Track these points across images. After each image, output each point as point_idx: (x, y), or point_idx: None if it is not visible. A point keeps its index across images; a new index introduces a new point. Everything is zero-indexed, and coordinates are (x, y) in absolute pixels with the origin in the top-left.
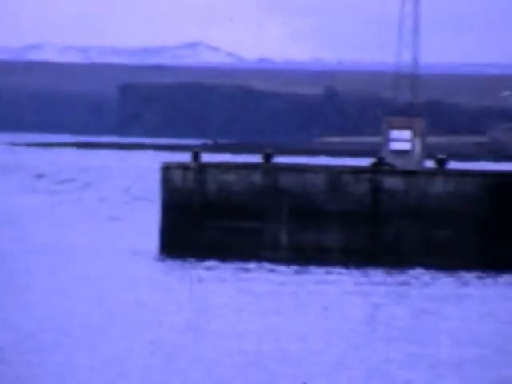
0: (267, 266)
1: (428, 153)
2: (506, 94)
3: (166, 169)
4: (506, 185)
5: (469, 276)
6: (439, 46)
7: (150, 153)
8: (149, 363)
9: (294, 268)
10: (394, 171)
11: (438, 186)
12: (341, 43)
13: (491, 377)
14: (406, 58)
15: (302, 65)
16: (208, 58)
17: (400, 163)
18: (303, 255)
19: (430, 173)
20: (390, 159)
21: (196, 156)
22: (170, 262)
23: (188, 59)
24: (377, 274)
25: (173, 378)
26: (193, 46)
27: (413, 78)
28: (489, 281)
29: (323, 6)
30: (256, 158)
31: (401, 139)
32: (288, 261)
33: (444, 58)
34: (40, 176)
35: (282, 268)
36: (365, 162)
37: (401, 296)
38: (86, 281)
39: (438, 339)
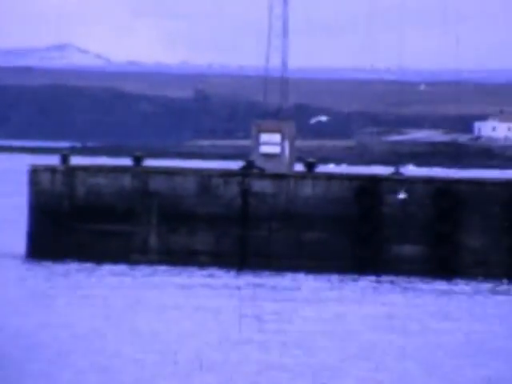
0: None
1: (297, 156)
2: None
3: (34, 171)
4: (372, 188)
5: (336, 278)
6: (308, 50)
7: (18, 155)
8: None
9: (162, 269)
10: (263, 174)
11: (307, 189)
12: (211, 47)
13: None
14: (275, 61)
15: (172, 68)
16: (77, 61)
17: (269, 166)
18: (173, 258)
19: (299, 176)
20: (259, 162)
21: (65, 159)
22: (36, 265)
23: (57, 61)
24: (244, 277)
25: None
26: (62, 47)
27: (282, 82)
28: (350, 283)
29: (193, 9)
30: (126, 161)
31: (270, 143)
32: (158, 264)
33: (313, 61)
34: None
35: (148, 270)
36: (235, 165)
37: (254, 298)
38: None
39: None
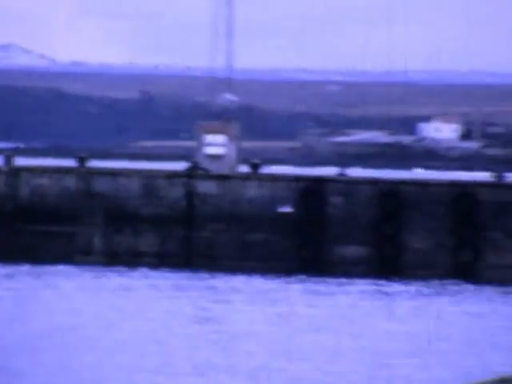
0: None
1: (243, 157)
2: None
3: None
4: (317, 189)
5: (281, 279)
6: (254, 51)
7: None
8: None
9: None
10: (208, 175)
11: (252, 190)
12: (156, 48)
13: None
14: (221, 62)
15: (117, 68)
16: (21, 61)
17: (214, 167)
18: (118, 259)
19: (244, 177)
20: (204, 163)
21: (8, 160)
22: None
23: (0, 61)
24: (189, 278)
25: None
26: (5, 48)
27: (227, 83)
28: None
29: (138, 9)
30: (70, 162)
31: (215, 144)
32: (102, 265)
33: (258, 62)
34: None
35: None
36: (180, 166)
37: (191, 299)
38: None
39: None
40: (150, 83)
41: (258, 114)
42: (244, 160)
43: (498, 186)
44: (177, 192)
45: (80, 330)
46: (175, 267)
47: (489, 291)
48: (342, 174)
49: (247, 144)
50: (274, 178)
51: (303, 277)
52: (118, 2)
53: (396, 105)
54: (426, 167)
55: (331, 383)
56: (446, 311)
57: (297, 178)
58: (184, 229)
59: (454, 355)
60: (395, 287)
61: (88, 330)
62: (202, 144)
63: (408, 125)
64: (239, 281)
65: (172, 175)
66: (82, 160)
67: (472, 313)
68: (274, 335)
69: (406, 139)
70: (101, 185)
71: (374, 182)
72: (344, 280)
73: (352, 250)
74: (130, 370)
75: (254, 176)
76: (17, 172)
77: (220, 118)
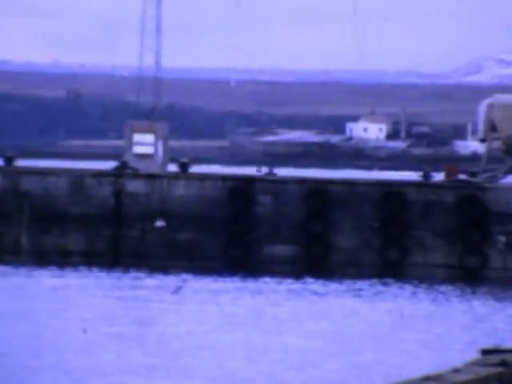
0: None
1: (171, 156)
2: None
3: None
4: (245, 188)
5: (209, 278)
6: (182, 50)
7: None
8: None
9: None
10: (136, 174)
11: (181, 189)
12: (83, 46)
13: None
14: (149, 61)
15: (44, 67)
16: None
17: (143, 167)
18: (46, 259)
19: (173, 176)
20: (133, 163)
21: None
22: None
23: None
24: (117, 277)
25: None
26: None
27: (155, 82)
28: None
29: (64, 8)
30: None
31: (143, 143)
32: (30, 264)
33: (187, 61)
34: None
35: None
36: (108, 165)
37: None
38: None
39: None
40: (76, 82)
41: (187, 113)
42: (172, 159)
43: (424, 185)
44: (105, 191)
45: None
46: (103, 266)
47: (413, 289)
48: (270, 174)
49: (176, 143)
50: (203, 177)
51: (231, 276)
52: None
53: (324, 104)
54: (354, 167)
55: (253, 380)
56: (369, 309)
57: (225, 178)
58: (112, 228)
59: (380, 353)
60: (323, 285)
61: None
62: (130, 143)
63: (336, 124)
64: (167, 280)
65: (100, 174)
66: (9, 159)
67: (392, 310)
68: (199, 334)
69: (334, 139)
70: (28, 184)
71: (302, 181)
72: (271, 279)
73: (280, 249)
74: (59, 370)
75: (183, 175)
76: None
77: (148, 117)
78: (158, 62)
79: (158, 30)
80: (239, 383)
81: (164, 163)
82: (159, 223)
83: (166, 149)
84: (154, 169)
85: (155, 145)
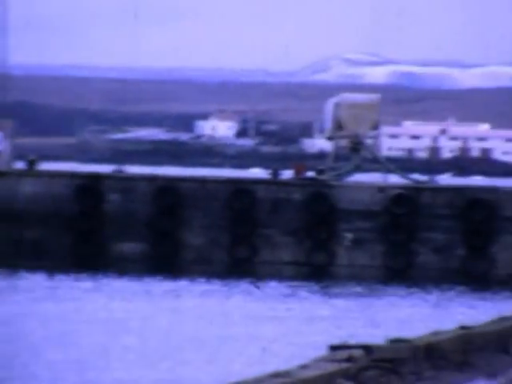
0: None
1: (18, 154)
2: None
3: None
4: (93, 186)
5: (57, 277)
6: (29, 47)
7: None
8: None
9: None
10: None
11: (28, 186)
12: None
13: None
14: None
15: None
16: None
17: None
18: None
19: (20, 173)
20: None
21: None
22: None
23: None
24: None
25: None
26: None
27: (2, 79)
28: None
29: None
30: None
31: None
32: None
33: (35, 58)
34: None
35: None
36: None
37: None
38: None
39: None
40: None
41: (36, 110)
42: (20, 156)
43: (273, 183)
44: None
45: None
46: None
47: (267, 288)
48: (118, 171)
49: (23, 140)
50: (51, 174)
51: (79, 274)
52: None
53: (173, 102)
54: (204, 164)
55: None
56: (215, 307)
57: (73, 175)
58: None
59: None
60: (175, 284)
61: None
62: None
63: (185, 122)
64: (16, 279)
65: None
66: None
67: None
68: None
69: (184, 136)
70: None
71: (152, 178)
72: (120, 277)
73: (129, 247)
74: None
75: (30, 172)
76: None
77: None
78: (4, 59)
79: (5, 27)
80: None
81: (10, 160)
82: None
83: (12, 146)
84: (0, 166)
85: (2, 142)
